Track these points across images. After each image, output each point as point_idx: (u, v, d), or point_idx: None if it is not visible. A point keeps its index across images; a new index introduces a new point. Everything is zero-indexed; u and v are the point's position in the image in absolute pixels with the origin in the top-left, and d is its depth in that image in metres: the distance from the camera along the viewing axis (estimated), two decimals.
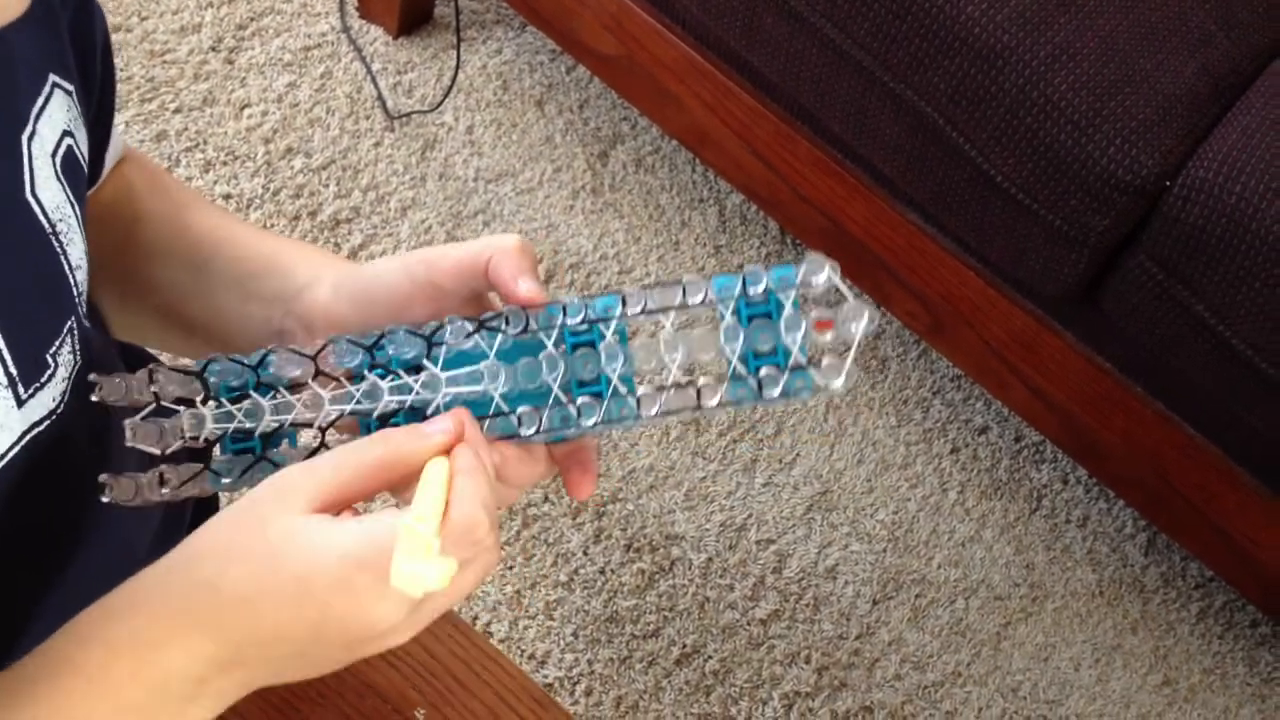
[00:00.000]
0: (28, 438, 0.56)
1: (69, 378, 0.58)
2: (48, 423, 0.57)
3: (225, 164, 1.70)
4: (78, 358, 0.59)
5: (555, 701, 0.80)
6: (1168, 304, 1.35)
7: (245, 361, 0.60)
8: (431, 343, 0.59)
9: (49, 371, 0.57)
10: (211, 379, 0.60)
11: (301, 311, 0.65)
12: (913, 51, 1.34)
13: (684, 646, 1.53)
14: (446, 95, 1.82)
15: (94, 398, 0.59)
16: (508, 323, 0.59)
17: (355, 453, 0.54)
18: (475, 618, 1.51)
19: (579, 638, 1.51)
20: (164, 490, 0.60)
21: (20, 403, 0.55)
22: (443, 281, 0.61)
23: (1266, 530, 1.49)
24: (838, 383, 0.59)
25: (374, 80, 1.81)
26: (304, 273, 0.66)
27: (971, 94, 1.33)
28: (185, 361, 0.60)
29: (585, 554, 1.56)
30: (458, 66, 1.84)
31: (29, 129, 0.56)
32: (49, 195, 0.57)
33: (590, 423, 0.59)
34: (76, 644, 0.53)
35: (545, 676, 1.49)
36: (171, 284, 0.70)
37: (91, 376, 0.59)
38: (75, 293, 0.59)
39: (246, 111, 1.74)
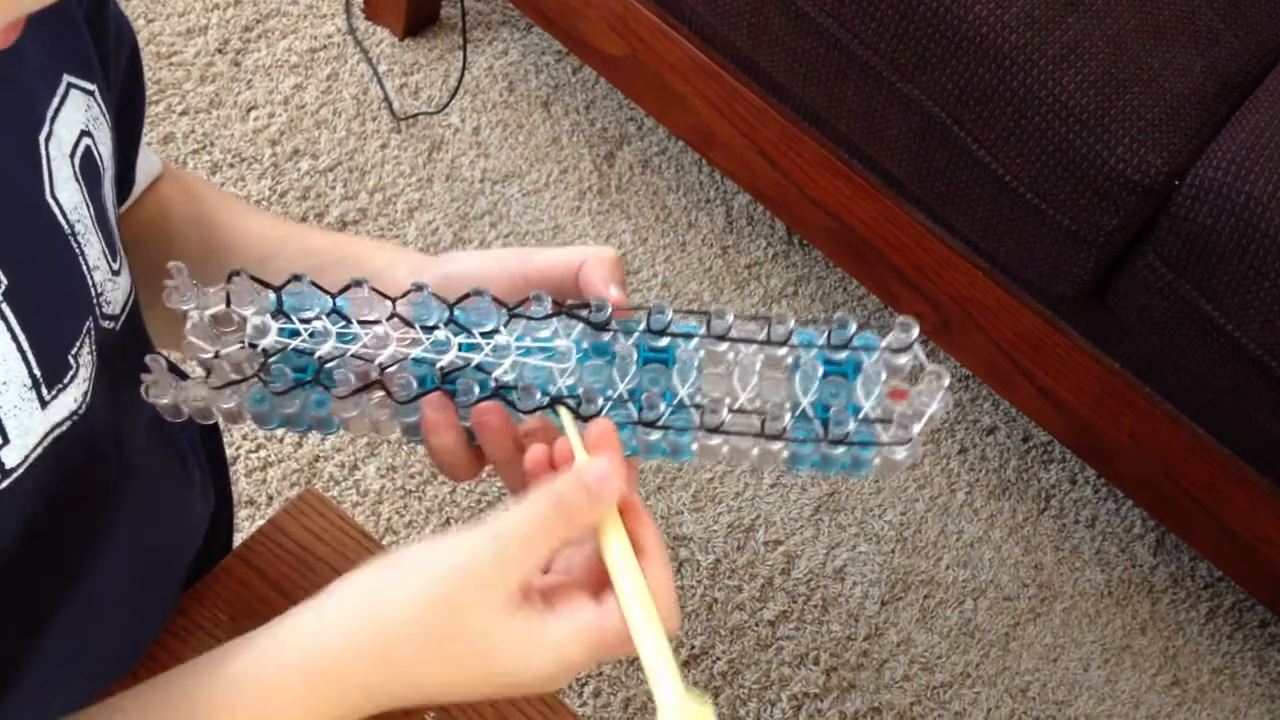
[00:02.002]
0: (50, 439, 0.56)
1: (89, 378, 0.58)
2: (69, 423, 0.57)
3: (232, 166, 1.70)
4: (97, 359, 0.59)
5: (563, 703, 0.80)
6: (1176, 303, 1.35)
7: (325, 289, 0.60)
8: (512, 315, 0.60)
9: (71, 372, 0.57)
10: (287, 296, 0.60)
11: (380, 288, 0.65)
12: (920, 51, 1.34)
13: (692, 648, 1.53)
14: (453, 96, 1.82)
15: (167, 285, 0.59)
16: (591, 310, 0.59)
17: (534, 525, 0.54)
18: None
19: None
20: (203, 393, 0.60)
21: (44, 404, 0.55)
22: (531, 276, 0.61)
23: (1275, 529, 1.49)
24: (902, 451, 0.57)
25: (380, 82, 1.81)
26: (380, 259, 0.66)
27: (979, 94, 1.33)
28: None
29: None
30: (464, 68, 1.84)
31: (46, 129, 0.56)
32: (67, 196, 0.57)
33: (651, 419, 0.58)
34: (245, 702, 0.55)
35: None
36: None
37: (169, 271, 0.59)
38: (93, 293, 0.59)
39: (253, 113, 1.74)
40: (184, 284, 0.60)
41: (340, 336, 0.60)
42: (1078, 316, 1.50)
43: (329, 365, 0.60)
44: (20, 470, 0.55)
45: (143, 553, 0.69)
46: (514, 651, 0.53)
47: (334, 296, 0.60)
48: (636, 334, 0.59)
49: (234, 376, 0.59)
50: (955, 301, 1.55)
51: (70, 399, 0.57)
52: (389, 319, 0.60)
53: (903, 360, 0.58)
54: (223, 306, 0.60)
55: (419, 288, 0.60)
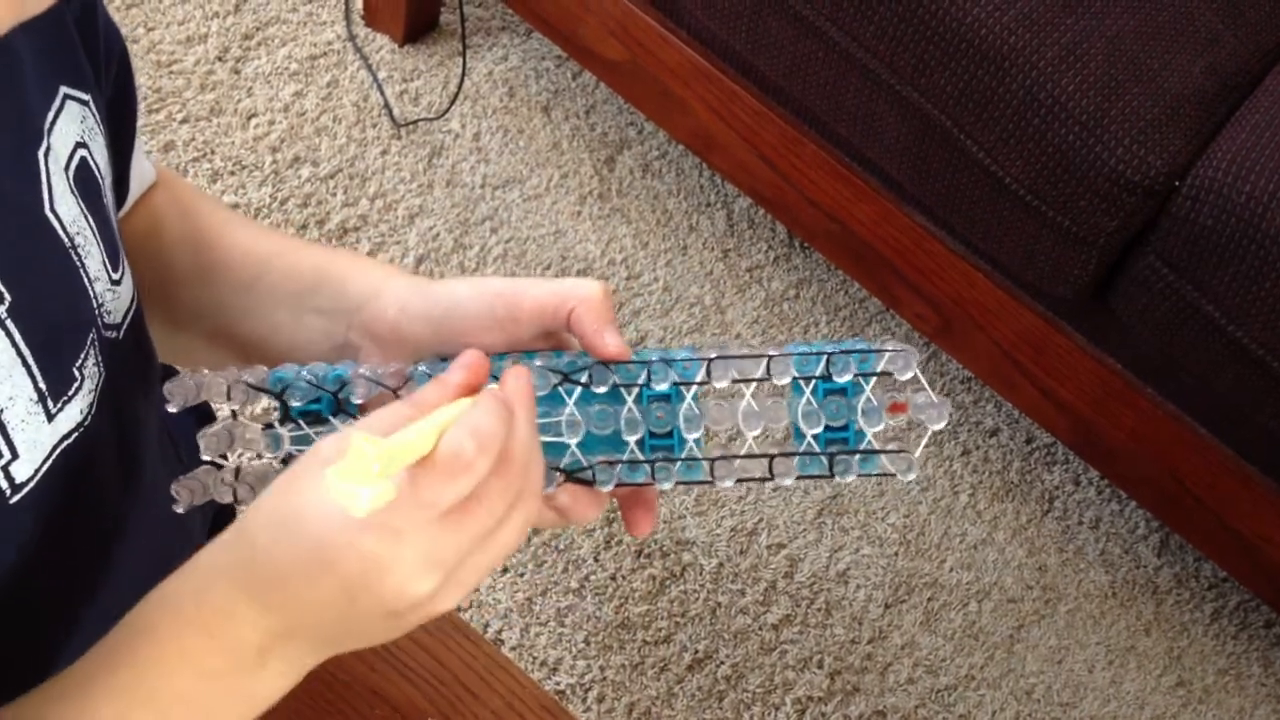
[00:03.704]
0: (58, 451, 0.56)
1: (95, 390, 0.59)
2: (76, 435, 0.58)
3: (233, 173, 1.70)
4: (102, 369, 0.59)
5: (566, 709, 0.80)
6: (1177, 304, 1.35)
7: (324, 385, 0.60)
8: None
9: (76, 384, 0.57)
10: (293, 403, 0.60)
11: (366, 325, 0.65)
12: (919, 54, 1.34)
13: (696, 652, 1.53)
14: (453, 102, 1.82)
15: (171, 408, 0.60)
16: (591, 380, 0.60)
17: (386, 411, 0.53)
18: (486, 625, 1.50)
19: (590, 644, 1.51)
20: (235, 503, 0.61)
21: (50, 417, 0.56)
22: (521, 319, 0.61)
23: (1279, 529, 1.48)
24: (910, 475, 0.61)
25: (380, 88, 1.81)
26: (362, 285, 0.66)
27: (979, 96, 1.33)
28: (260, 370, 0.61)
29: (596, 560, 1.56)
30: (464, 73, 1.84)
31: (44, 144, 0.56)
32: (65, 209, 0.57)
33: (666, 486, 0.60)
34: (153, 612, 0.54)
35: (557, 684, 1.48)
36: (219, 306, 0.70)
37: (166, 388, 0.60)
38: (95, 305, 0.59)
39: (253, 121, 1.75)
40: (185, 396, 0.60)
41: None
42: (1079, 317, 1.50)
43: None
44: (32, 484, 0.55)
45: (151, 554, 0.69)
46: (316, 516, 0.51)
47: (335, 394, 0.60)
48: (637, 388, 0.60)
49: (257, 493, 0.61)
50: (956, 303, 1.55)
51: (76, 410, 0.57)
52: None
53: (901, 378, 0.60)
54: (230, 419, 0.61)
55: (413, 376, 0.60)
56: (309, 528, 0.51)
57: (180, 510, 0.60)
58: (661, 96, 1.65)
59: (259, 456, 0.61)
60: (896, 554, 1.64)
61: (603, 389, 0.60)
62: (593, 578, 1.55)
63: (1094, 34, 1.31)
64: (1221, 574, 1.70)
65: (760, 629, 1.56)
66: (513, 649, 1.49)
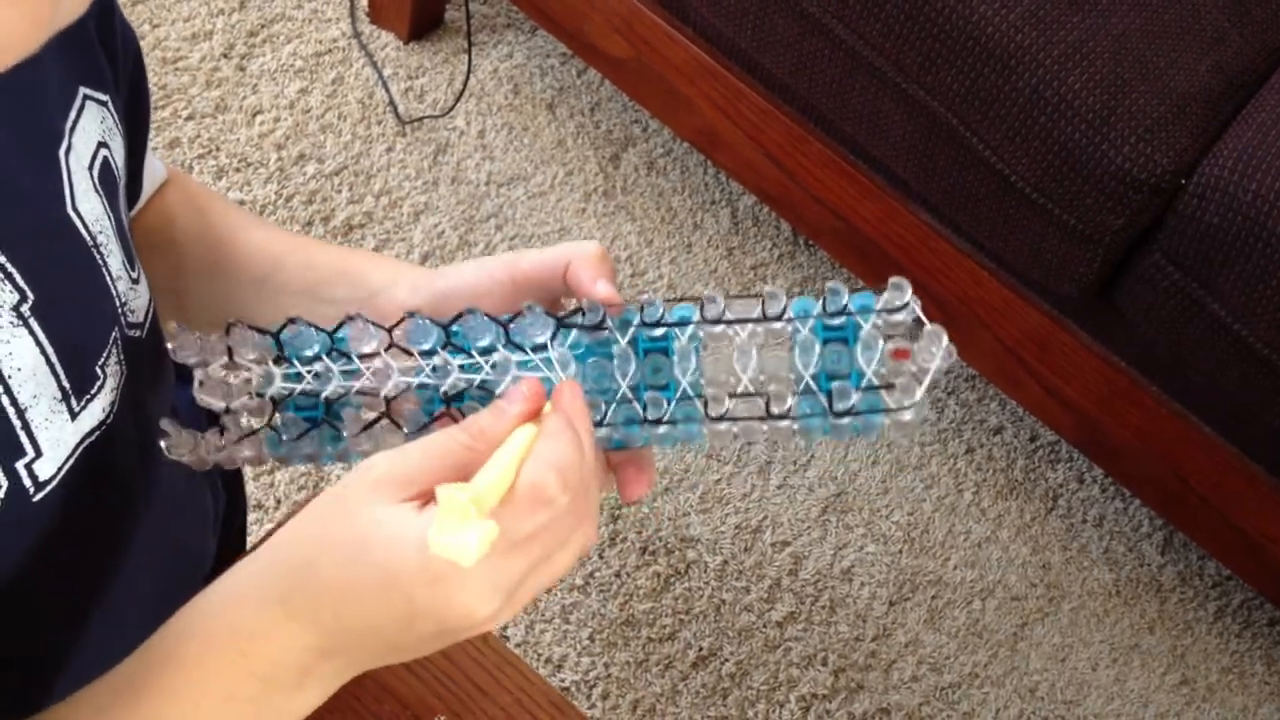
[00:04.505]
0: (80, 449, 0.57)
1: (117, 388, 0.59)
2: (98, 433, 0.58)
3: (238, 170, 1.70)
4: (124, 368, 0.60)
5: (573, 705, 0.80)
6: (1184, 302, 1.35)
7: (321, 327, 0.60)
8: (508, 331, 0.60)
9: (99, 383, 0.57)
10: (286, 340, 0.60)
11: (379, 308, 0.65)
12: (925, 52, 1.34)
13: (700, 649, 1.53)
14: (458, 100, 1.82)
15: (169, 344, 0.60)
16: (584, 315, 0.59)
17: (443, 437, 0.53)
18: None
19: (595, 641, 1.51)
20: (221, 444, 0.61)
21: (74, 415, 0.56)
22: (520, 280, 0.62)
23: None
24: (909, 412, 0.56)
25: (385, 85, 1.81)
26: (379, 278, 0.67)
27: (985, 94, 1.33)
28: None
29: (601, 557, 1.56)
30: (469, 71, 1.84)
31: (65, 143, 0.57)
32: (88, 208, 0.58)
33: (656, 418, 0.58)
34: (175, 639, 0.54)
35: (562, 680, 1.49)
36: (230, 300, 0.71)
37: (169, 328, 0.60)
38: (117, 303, 0.59)
39: (259, 118, 1.75)
40: (186, 341, 0.61)
41: (344, 374, 0.60)
42: (1084, 315, 1.50)
43: (337, 404, 0.60)
44: (55, 482, 0.55)
45: (166, 548, 0.70)
46: (386, 539, 0.51)
47: (331, 334, 0.60)
48: (633, 329, 0.59)
49: (246, 429, 0.60)
50: (961, 301, 1.55)
51: (99, 409, 0.58)
52: (388, 349, 0.60)
53: (900, 317, 0.57)
54: (225, 359, 0.61)
55: (412, 315, 0.60)
56: (376, 556, 0.51)
57: (168, 453, 0.60)
58: (666, 94, 1.65)
59: (253, 397, 0.61)
60: (900, 552, 1.64)
61: (594, 320, 0.59)
62: (597, 575, 1.55)
63: (1100, 32, 1.31)
64: (1225, 572, 1.71)
65: (765, 626, 1.56)
66: (517, 646, 1.49)
